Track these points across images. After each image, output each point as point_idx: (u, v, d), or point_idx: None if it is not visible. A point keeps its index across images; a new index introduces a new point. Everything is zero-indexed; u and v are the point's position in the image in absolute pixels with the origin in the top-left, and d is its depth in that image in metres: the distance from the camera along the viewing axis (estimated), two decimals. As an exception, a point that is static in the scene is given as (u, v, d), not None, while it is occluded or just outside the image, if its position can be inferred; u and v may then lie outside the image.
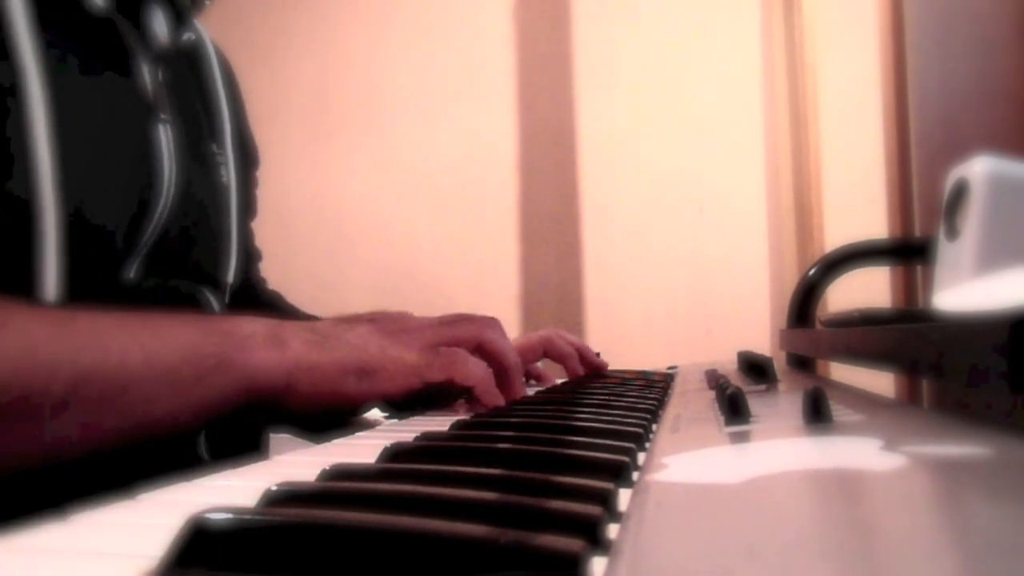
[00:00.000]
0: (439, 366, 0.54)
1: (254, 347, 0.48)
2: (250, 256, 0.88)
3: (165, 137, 0.64)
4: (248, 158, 0.83)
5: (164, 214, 0.62)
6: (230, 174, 0.75)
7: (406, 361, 0.53)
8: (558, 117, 2.13)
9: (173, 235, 0.64)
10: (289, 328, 0.51)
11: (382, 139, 2.24)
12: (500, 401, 0.57)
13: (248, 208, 0.84)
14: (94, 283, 0.56)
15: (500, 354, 0.60)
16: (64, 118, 0.54)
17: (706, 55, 2.03)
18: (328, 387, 0.50)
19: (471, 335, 0.58)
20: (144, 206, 0.61)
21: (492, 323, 0.61)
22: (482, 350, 0.59)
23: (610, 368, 1.01)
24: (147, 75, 0.63)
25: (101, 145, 0.58)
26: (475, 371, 0.56)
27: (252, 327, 0.50)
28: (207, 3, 0.71)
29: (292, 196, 2.22)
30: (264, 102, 1.72)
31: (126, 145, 0.60)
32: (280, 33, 2.31)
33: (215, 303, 0.69)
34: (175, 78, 0.69)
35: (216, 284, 0.71)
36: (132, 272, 0.61)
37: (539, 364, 0.95)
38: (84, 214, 0.55)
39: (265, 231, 0.91)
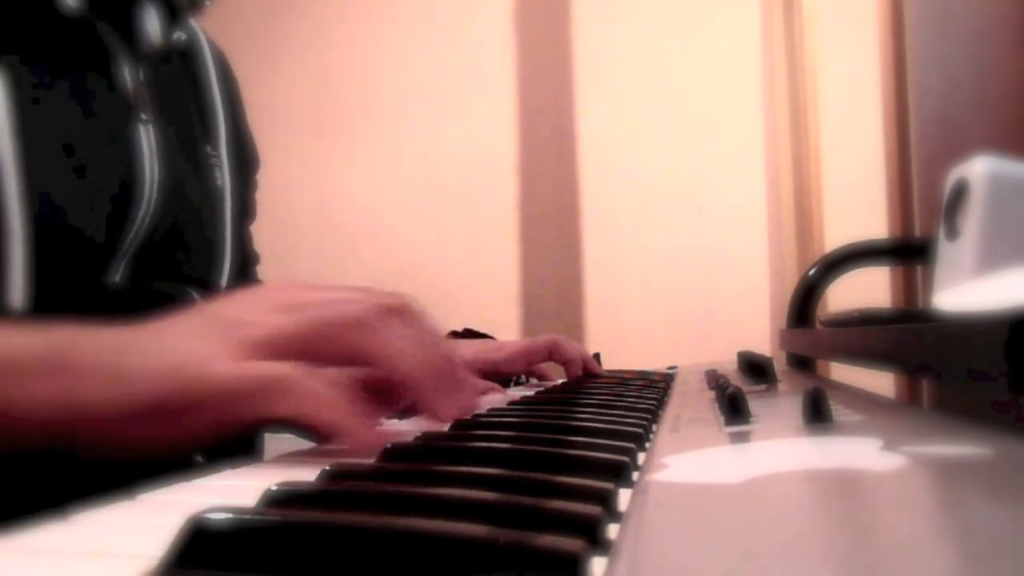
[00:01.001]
0: (266, 400, 0.37)
1: (23, 376, 0.37)
2: (247, 259, 0.88)
3: (146, 138, 0.63)
4: (246, 161, 0.83)
5: (147, 216, 0.62)
6: (224, 176, 0.74)
7: (214, 393, 0.37)
8: (558, 117, 2.13)
9: (161, 237, 0.63)
10: (89, 348, 0.38)
11: (382, 139, 2.24)
12: (367, 443, 0.37)
13: (246, 211, 0.84)
14: (72, 286, 0.56)
15: (396, 369, 0.41)
16: (30, 120, 0.53)
17: (706, 55, 2.03)
18: (114, 431, 0.37)
19: (347, 343, 0.40)
20: (125, 208, 0.60)
21: (389, 313, 0.42)
22: (366, 364, 0.41)
23: (610, 368, 1.01)
24: (128, 75, 0.63)
25: (75, 147, 0.57)
26: (324, 407, 0.38)
27: (36, 347, 0.37)
28: (207, 3, 0.71)
29: (292, 197, 2.22)
30: (264, 103, 1.72)
31: (103, 146, 0.59)
32: (280, 34, 2.31)
33: None
34: (165, 79, 0.68)
35: (209, 288, 0.71)
36: (117, 275, 0.60)
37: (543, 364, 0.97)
38: (56, 217, 0.54)
39: (265, 232, 0.91)
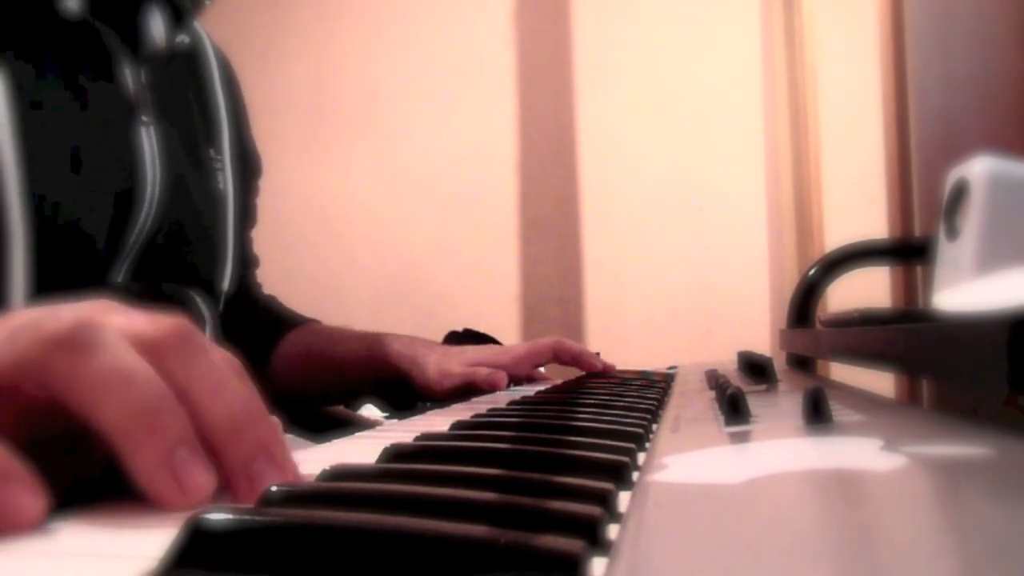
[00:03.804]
0: None
1: None
2: (247, 262, 0.88)
3: (148, 140, 0.63)
4: (249, 166, 0.83)
5: (149, 217, 0.62)
6: (227, 180, 0.74)
7: None
8: (558, 117, 2.13)
9: (163, 239, 0.63)
10: None
11: (381, 140, 2.24)
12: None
13: (247, 216, 0.84)
14: (75, 288, 0.56)
15: (89, 414, 0.27)
16: (32, 122, 0.53)
17: (706, 55, 2.03)
18: None
19: (50, 373, 0.27)
20: (126, 210, 0.60)
21: (84, 334, 0.27)
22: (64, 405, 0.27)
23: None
24: (129, 77, 0.63)
25: (76, 149, 0.57)
26: None
27: None
28: (207, 3, 0.71)
29: (291, 198, 2.22)
30: (262, 104, 1.72)
31: (104, 148, 0.59)
32: (279, 34, 2.31)
33: (205, 308, 0.68)
34: (168, 81, 0.68)
35: (211, 290, 0.71)
36: (120, 277, 0.60)
37: (542, 369, 0.96)
38: (57, 219, 0.54)
39: (264, 233, 0.91)
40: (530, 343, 0.93)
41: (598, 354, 1.00)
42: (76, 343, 0.27)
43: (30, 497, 0.24)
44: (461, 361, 0.87)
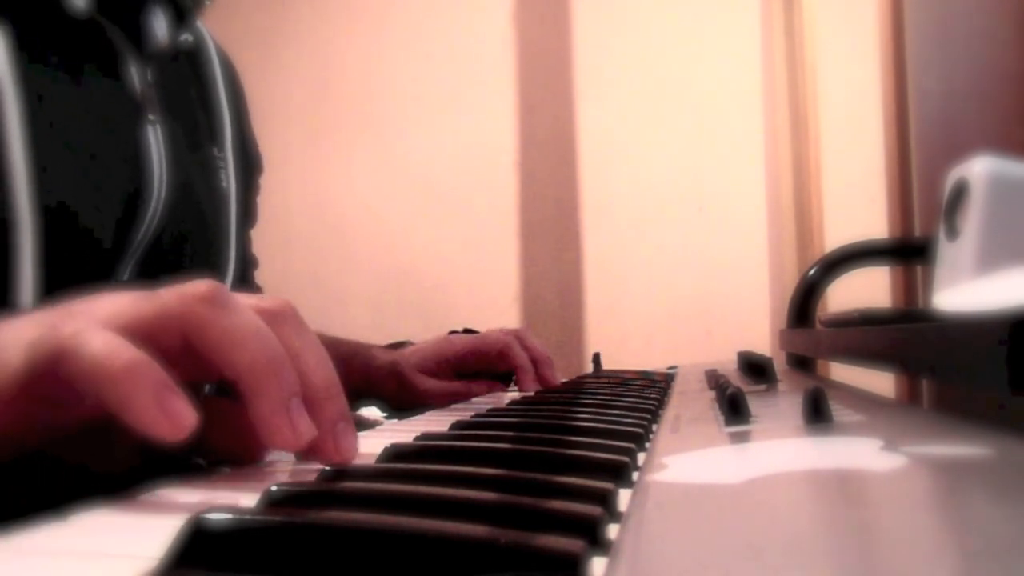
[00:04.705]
0: (52, 365, 0.30)
1: None
2: (247, 263, 0.88)
3: (155, 138, 0.63)
4: (250, 164, 0.83)
5: (156, 217, 0.62)
6: (230, 179, 0.74)
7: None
8: (558, 117, 2.13)
9: (168, 238, 0.63)
10: None
11: (381, 140, 2.24)
12: (167, 425, 0.29)
13: (248, 215, 0.84)
14: (82, 286, 0.56)
15: (227, 361, 0.32)
16: (40, 120, 0.53)
17: (706, 55, 2.03)
18: None
19: (193, 325, 0.32)
20: (133, 208, 0.60)
21: (258, 309, 0.34)
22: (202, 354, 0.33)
23: (610, 368, 1.01)
24: (136, 76, 0.63)
25: (83, 147, 0.57)
26: (117, 374, 0.29)
27: None
28: (207, 2, 0.71)
29: (291, 198, 2.22)
30: (262, 103, 1.72)
31: (112, 146, 0.59)
32: (278, 34, 2.31)
33: None
34: (172, 80, 0.68)
35: None
36: (125, 276, 0.60)
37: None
38: (65, 217, 0.54)
39: (264, 233, 0.91)
40: (477, 337, 0.88)
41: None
42: (216, 300, 0.33)
43: (188, 407, 0.29)
44: (410, 368, 0.85)
